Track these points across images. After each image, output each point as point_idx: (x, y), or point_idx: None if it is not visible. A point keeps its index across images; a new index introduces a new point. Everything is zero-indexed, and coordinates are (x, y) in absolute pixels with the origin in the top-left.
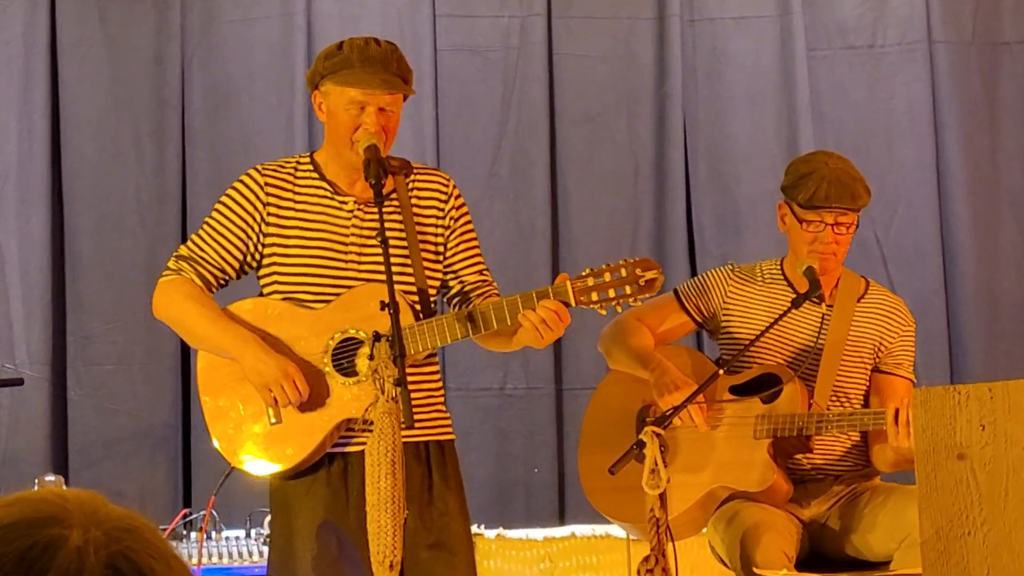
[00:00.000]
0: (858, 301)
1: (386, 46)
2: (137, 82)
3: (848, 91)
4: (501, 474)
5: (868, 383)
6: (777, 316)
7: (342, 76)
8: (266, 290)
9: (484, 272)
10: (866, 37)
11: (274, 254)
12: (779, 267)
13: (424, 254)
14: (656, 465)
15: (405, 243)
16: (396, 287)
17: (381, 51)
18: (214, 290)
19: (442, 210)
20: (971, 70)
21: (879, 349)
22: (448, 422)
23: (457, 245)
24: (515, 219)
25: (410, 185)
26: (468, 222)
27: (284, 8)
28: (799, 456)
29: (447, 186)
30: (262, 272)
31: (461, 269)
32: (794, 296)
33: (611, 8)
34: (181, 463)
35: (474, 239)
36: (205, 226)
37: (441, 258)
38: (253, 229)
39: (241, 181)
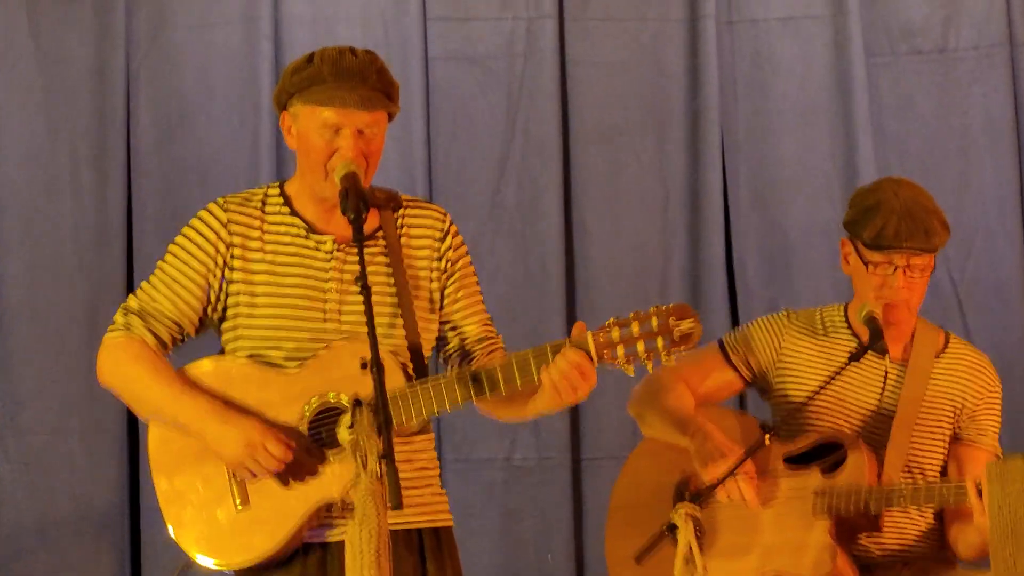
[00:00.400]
0: (936, 357)
1: (364, 56)
2: (74, 99)
3: (915, 103)
4: (509, 561)
5: (946, 454)
6: (834, 372)
7: (312, 94)
8: (229, 347)
9: (488, 324)
10: (936, 40)
11: (239, 304)
12: (843, 314)
13: (417, 303)
14: (691, 552)
15: (393, 290)
16: (383, 342)
17: (358, 62)
18: (169, 350)
19: (437, 251)
20: None
21: (959, 414)
22: (445, 504)
23: (456, 292)
24: (523, 258)
25: (399, 221)
26: (468, 264)
27: (247, 11)
28: (865, 538)
29: (443, 222)
30: (225, 326)
31: (461, 321)
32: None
33: (634, 8)
34: (129, 552)
35: (475, 285)
36: (158, 271)
37: (437, 307)
38: (215, 274)
39: (199, 218)
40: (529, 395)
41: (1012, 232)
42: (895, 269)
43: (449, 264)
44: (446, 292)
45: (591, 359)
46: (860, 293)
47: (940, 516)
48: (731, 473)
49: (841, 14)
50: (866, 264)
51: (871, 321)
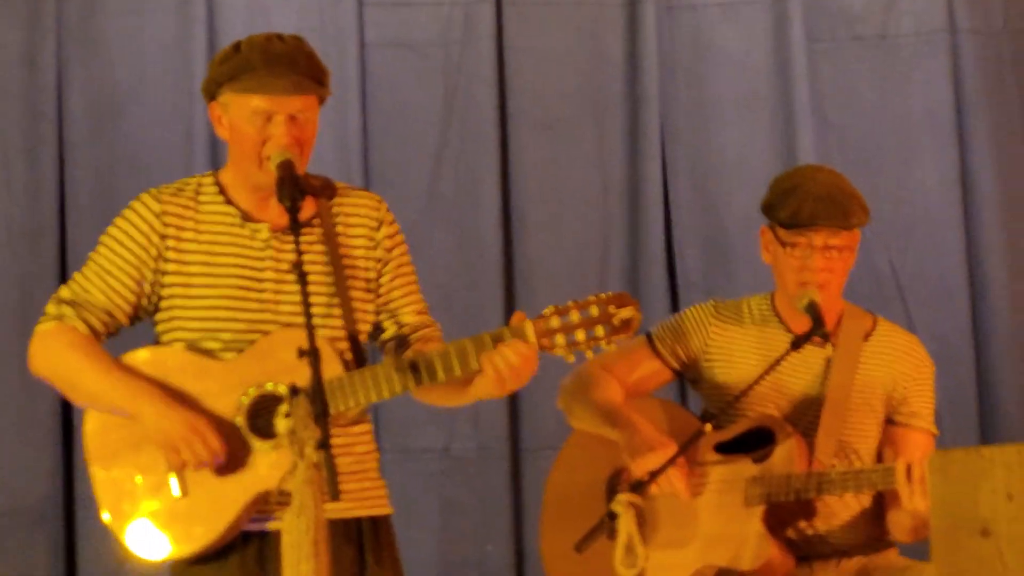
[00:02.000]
0: (864, 340)
1: (292, 41)
2: (4, 88)
3: (856, 91)
4: (448, 552)
5: (879, 437)
6: (773, 361)
7: (242, 82)
8: (165, 338)
9: (424, 312)
10: (877, 26)
11: (174, 295)
12: (769, 303)
13: (353, 291)
14: (631, 541)
15: (330, 278)
16: (320, 331)
17: (286, 48)
18: (102, 339)
19: (373, 239)
20: (1003, 65)
21: (891, 396)
22: (384, 493)
23: (392, 280)
24: (460, 248)
25: (334, 209)
26: (404, 253)
27: None
28: (801, 525)
29: (378, 210)
30: (160, 316)
31: (397, 308)
32: (791, 335)
33: None
34: (64, 545)
35: (412, 273)
36: (90, 262)
37: (373, 296)
38: (148, 266)
39: (132, 208)
40: (466, 382)
41: (954, 220)
42: (813, 250)
43: (385, 252)
44: (382, 280)
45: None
46: (782, 280)
47: (879, 500)
48: (669, 463)
49: (781, 0)
50: (784, 246)
51: (812, 307)
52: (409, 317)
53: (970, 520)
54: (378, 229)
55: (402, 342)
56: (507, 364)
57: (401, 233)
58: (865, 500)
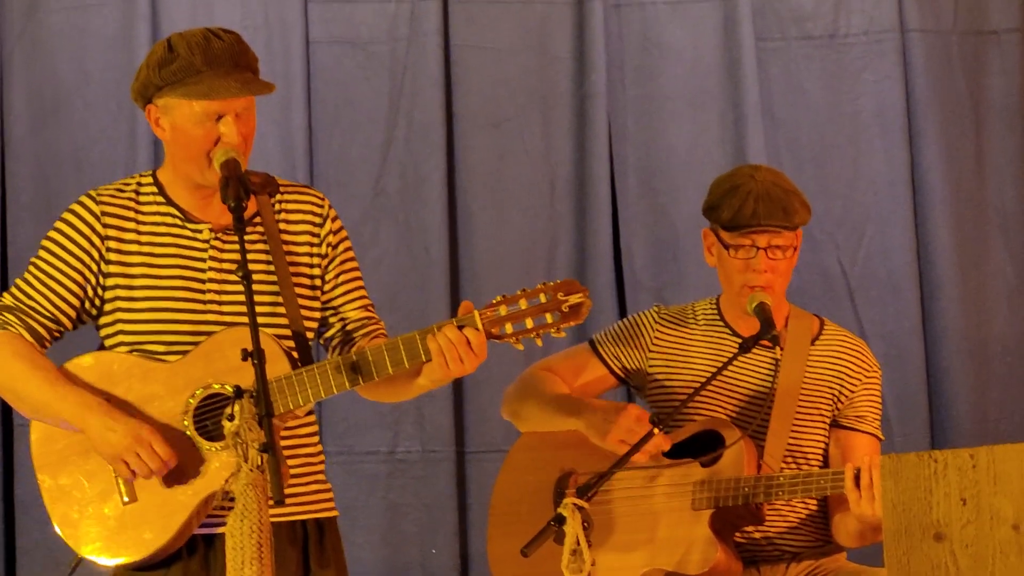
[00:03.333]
0: (812, 343)
1: (229, 38)
2: None
3: (805, 90)
4: (392, 556)
5: (827, 440)
6: (722, 364)
7: (189, 87)
8: (109, 342)
9: (369, 308)
10: (826, 25)
11: (117, 298)
12: (715, 307)
13: (298, 288)
14: (578, 545)
15: (273, 277)
16: (267, 331)
17: (227, 46)
18: (47, 345)
19: (317, 235)
20: (952, 65)
21: (838, 399)
22: (329, 495)
23: (336, 277)
24: (406, 246)
25: (276, 207)
26: (348, 249)
27: None
28: (749, 528)
29: (321, 207)
30: (104, 320)
31: (342, 305)
32: (736, 339)
33: None
34: (3, 551)
35: (356, 269)
36: (32, 268)
37: (318, 293)
38: (91, 269)
39: (72, 211)
40: (414, 375)
41: (904, 220)
42: (756, 251)
43: (330, 248)
44: (326, 277)
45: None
46: (727, 282)
47: (825, 504)
48: (618, 466)
49: None
50: (727, 248)
51: (761, 308)
52: (354, 313)
53: (923, 524)
54: (321, 225)
55: (347, 338)
56: (451, 345)
57: (344, 230)
58: (812, 504)
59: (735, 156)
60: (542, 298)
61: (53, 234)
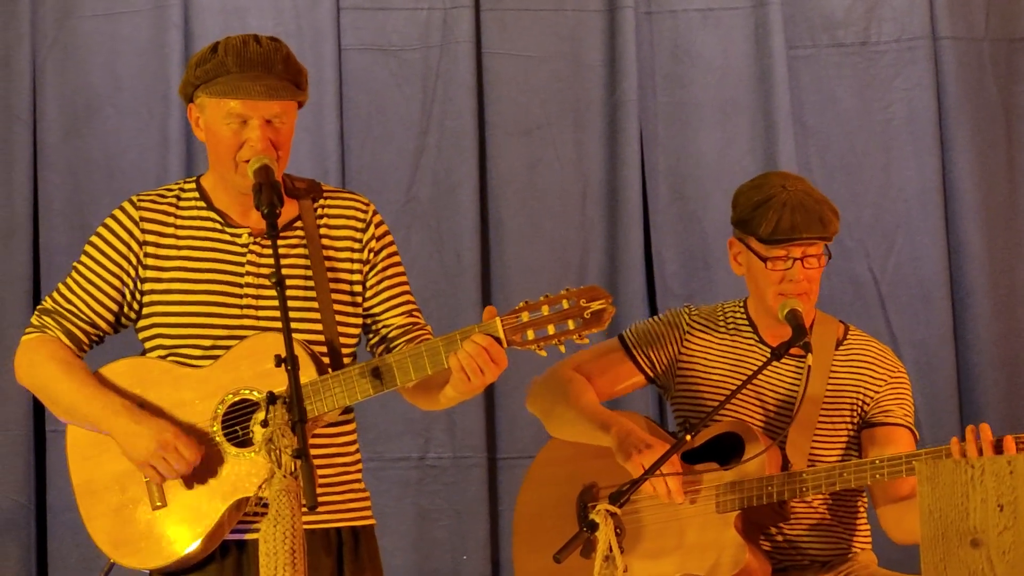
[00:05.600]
0: (836, 348)
1: (268, 44)
2: None
3: (836, 97)
4: (422, 562)
5: (846, 447)
6: (750, 370)
7: (217, 85)
8: (148, 345)
9: (414, 314)
10: (858, 33)
11: (155, 302)
12: (742, 310)
13: (336, 295)
14: (611, 551)
15: (311, 283)
16: (301, 336)
17: (262, 51)
18: (86, 349)
19: (359, 241)
20: (983, 71)
21: (863, 403)
22: (367, 503)
23: (378, 283)
24: (438, 253)
25: (319, 212)
26: (393, 254)
27: (156, 0)
28: (773, 531)
29: (365, 212)
30: (142, 324)
31: (384, 312)
32: (763, 345)
33: None
34: (35, 552)
35: (400, 275)
36: (73, 273)
37: (359, 299)
38: (129, 274)
39: (113, 216)
40: (444, 384)
41: (935, 228)
42: (793, 262)
43: (372, 254)
44: (368, 283)
45: (500, 343)
46: (758, 292)
47: (853, 514)
48: (650, 472)
49: (761, 5)
50: (764, 260)
51: (793, 315)
52: (397, 319)
53: (960, 531)
54: (364, 231)
55: (390, 345)
56: (470, 359)
57: (390, 235)
58: (841, 512)
59: (765, 164)
60: (564, 304)
61: (94, 239)
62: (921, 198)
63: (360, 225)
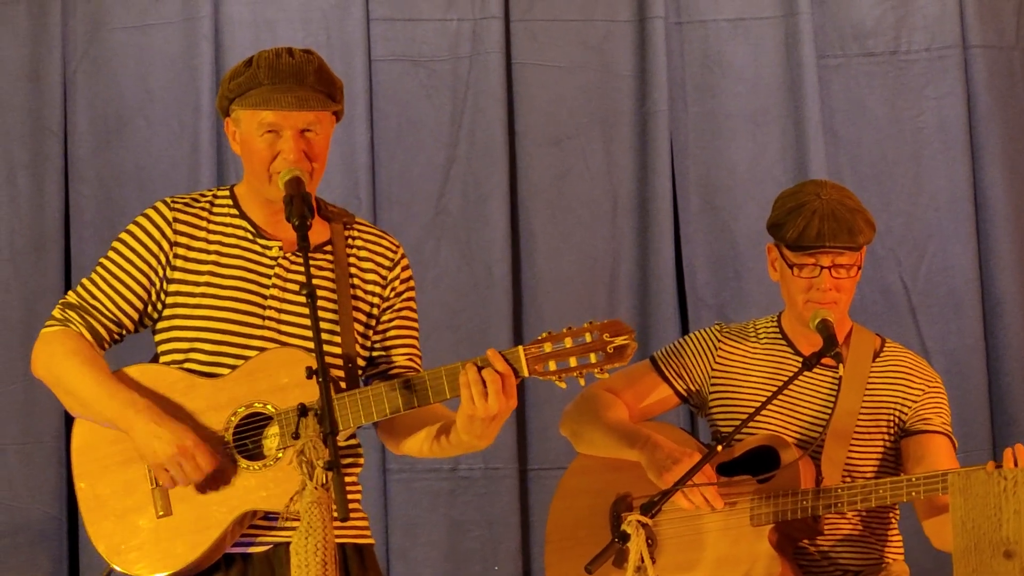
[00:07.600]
0: (872, 360)
1: (301, 56)
2: (8, 103)
3: (867, 106)
4: (454, 573)
5: (882, 460)
6: (785, 381)
7: (250, 97)
8: (161, 347)
9: (415, 359)
10: (888, 42)
11: (177, 304)
12: (776, 324)
13: (356, 317)
14: (643, 562)
15: (335, 306)
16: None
17: (294, 63)
18: (107, 346)
19: (384, 277)
20: (1015, 80)
21: (900, 414)
22: (366, 523)
23: (391, 321)
24: (468, 264)
25: (349, 240)
26: (412, 299)
27: (186, 12)
28: (805, 543)
29: (395, 252)
30: (161, 325)
31: (392, 348)
32: (798, 356)
33: (581, 9)
34: (67, 564)
35: (414, 321)
36: (99, 268)
37: (372, 330)
38: (157, 273)
39: (145, 215)
40: (438, 427)
41: (966, 236)
42: (820, 271)
43: (393, 293)
44: (383, 319)
45: (519, 376)
46: (790, 299)
47: (885, 525)
48: (682, 482)
49: (792, 15)
50: (791, 267)
51: (824, 325)
52: (401, 359)
53: (993, 542)
54: (391, 269)
55: (385, 379)
56: (478, 380)
57: (413, 280)
58: (875, 524)
59: (796, 173)
60: (587, 338)
61: (124, 236)
62: (952, 207)
63: (387, 263)
